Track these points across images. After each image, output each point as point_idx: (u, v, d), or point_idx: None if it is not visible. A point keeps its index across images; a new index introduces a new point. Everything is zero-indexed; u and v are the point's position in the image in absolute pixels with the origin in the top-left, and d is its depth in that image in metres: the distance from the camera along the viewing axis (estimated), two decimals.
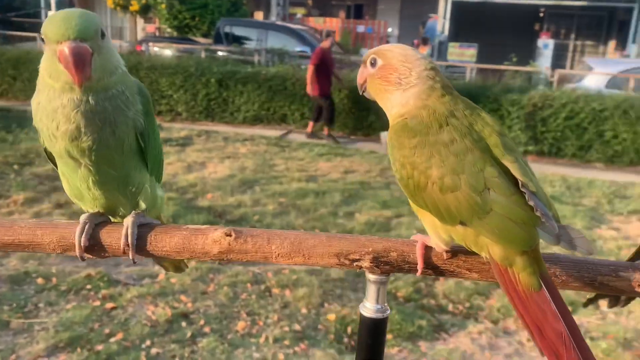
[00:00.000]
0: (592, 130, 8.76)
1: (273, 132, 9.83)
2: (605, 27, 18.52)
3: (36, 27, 15.38)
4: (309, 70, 9.10)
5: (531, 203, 0.90)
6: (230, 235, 1.09)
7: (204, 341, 3.27)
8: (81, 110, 1.01)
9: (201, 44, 13.18)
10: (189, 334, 3.33)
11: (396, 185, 7.02)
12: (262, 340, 3.31)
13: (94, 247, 1.12)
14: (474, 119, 0.99)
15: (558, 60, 17.17)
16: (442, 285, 4.16)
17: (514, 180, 0.93)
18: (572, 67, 16.69)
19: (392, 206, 6.00)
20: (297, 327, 3.45)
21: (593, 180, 7.74)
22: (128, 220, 1.12)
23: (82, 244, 1.11)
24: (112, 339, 3.28)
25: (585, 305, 1.25)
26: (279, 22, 15.64)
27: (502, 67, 11.09)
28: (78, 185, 1.13)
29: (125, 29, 17.98)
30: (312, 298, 3.77)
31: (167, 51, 12.30)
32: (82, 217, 1.14)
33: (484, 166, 0.93)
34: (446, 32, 17.20)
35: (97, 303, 3.66)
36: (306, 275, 4.15)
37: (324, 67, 9.09)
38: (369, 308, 1.10)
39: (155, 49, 12.54)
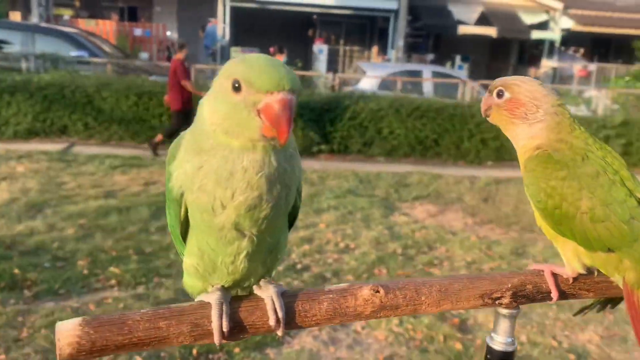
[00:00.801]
0: (372, 128, 9.67)
1: (53, 146, 8.82)
2: (368, 33, 20.62)
3: None
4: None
5: None
6: (378, 292, 1.00)
7: None
8: (265, 174, 0.83)
9: None
10: None
11: None
12: None
13: (232, 329, 0.92)
14: (604, 153, 1.07)
15: (331, 65, 18.60)
16: None
17: None
18: (343, 71, 18.21)
19: None
20: (138, 358, 3.16)
21: (379, 172, 8.58)
22: (270, 292, 0.94)
23: (223, 329, 0.90)
24: None
25: (577, 314, 1.31)
26: (46, 25, 14.06)
27: None
28: (219, 260, 0.90)
29: None
30: None
31: None
32: (214, 297, 0.92)
33: (626, 197, 1.01)
34: (227, 37, 17.37)
35: None
36: (135, 301, 3.83)
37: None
38: (499, 341, 1.11)
39: None
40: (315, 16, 19.70)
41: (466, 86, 11.23)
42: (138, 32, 17.26)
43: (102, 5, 20.31)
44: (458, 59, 18.34)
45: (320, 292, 1.01)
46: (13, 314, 3.57)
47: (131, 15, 20.67)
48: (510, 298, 1.09)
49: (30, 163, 7.68)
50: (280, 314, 0.94)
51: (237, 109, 0.82)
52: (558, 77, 18.63)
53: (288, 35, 19.77)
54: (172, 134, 8.68)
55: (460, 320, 3.98)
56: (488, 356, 1.15)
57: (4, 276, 4.09)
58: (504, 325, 1.12)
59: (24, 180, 6.83)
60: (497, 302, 1.08)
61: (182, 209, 0.92)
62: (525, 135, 1.10)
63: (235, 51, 15.97)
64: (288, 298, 0.98)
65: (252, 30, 18.68)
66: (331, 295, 1.00)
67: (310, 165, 8.69)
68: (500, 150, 9.87)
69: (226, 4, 17.50)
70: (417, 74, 12.45)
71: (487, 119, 1.18)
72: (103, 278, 4.27)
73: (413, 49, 19.44)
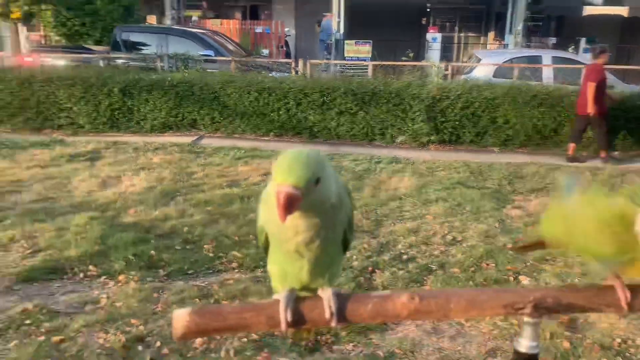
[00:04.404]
0: (485, 117, 9.48)
1: (184, 139, 9.68)
2: (484, 19, 19.96)
3: None
4: (591, 88, 8.55)
5: None
6: (414, 299, 1.21)
7: None
8: (302, 229, 1.15)
9: (97, 52, 12.63)
10: (148, 358, 3.31)
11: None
12: (222, 354, 3.35)
13: (297, 321, 1.23)
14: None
15: (445, 53, 18.27)
16: (380, 277, 4.43)
17: None
18: (458, 59, 17.82)
19: None
20: (254, 336, 3.52)
21: (492, 163, 8.42)
22: (327, 293, 1.25)
23: (287, 319, 1.21)
24: None
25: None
26: (177, 27, 15.30)
27: (400, 63, 11.65)
28: (289, 270, 1.27)
29: (5, 38, 16.72)
30: None
31: (60, 61, 11.66)
32: (282, 296, 1.25)
33: None
34: (341, 30, 17.70)
35: (42, 338, 3.48)
36: (253, 284, 4.24)
37: (603, 86, 8.75)
38: (524, 344, 1.28)
39: (47, 59, 11.82)
40: (429, 5, 19.41)
41: None
42: (259, 29, 18.17)
43: (226, 5, 21.55)
44: (583, 42, 17.16)
45: (366, 296, 1.26)
46: (150, 290, 4.12)
47: (253, 13, 21.73)
48: (532, 309, 1.21)
49: (164, 154, 8.51)
50: (334, 309, 1.22)
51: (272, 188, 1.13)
52: None
53: (401, 26, 19.69)
54: (606, 141, 8.80)
55: (570, 318, 3.89)
56: (514, 357, 1.30)
57: (143, 256, 4.69)
58: (528, 330, 1.27)
59: (159, 170, 7.61)
60: (519, 311, 1.22)
61: (264, 235, 1.28)
62: None
63: (348, 44, 16.24)
64: (342, 299, 1.24)
65: (366, 22, 18.85)
66: (375, 300, 1.24)
67: (420, 156, 8.74)
68: (626, 139, 9.26)
69: None
70: (535, 59, 11.92)
71: None
72: (226, 261, 4.73)
73: (533, 33, 18.50)
